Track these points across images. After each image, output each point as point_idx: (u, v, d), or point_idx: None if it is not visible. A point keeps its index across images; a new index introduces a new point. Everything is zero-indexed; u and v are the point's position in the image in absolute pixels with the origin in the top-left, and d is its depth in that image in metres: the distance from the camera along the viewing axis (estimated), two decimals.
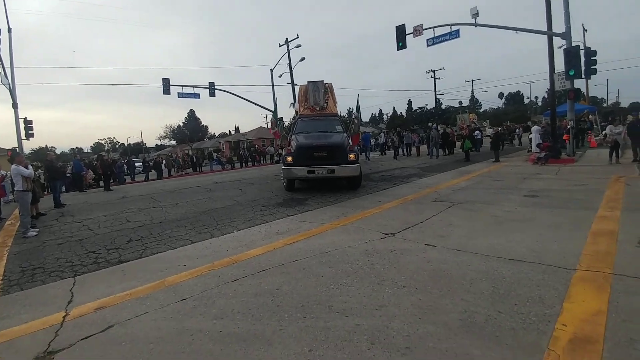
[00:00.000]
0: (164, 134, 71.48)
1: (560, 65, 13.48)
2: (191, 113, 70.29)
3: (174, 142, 74.16)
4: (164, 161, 24.33)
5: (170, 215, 7.31)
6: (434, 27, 14.82)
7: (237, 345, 2.38)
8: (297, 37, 26.97)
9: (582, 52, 12.65)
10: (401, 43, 15.34)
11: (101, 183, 16.04)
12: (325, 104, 10.67)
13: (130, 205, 8.93)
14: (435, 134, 18.34)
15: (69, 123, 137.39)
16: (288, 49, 27.63)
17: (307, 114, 10.56)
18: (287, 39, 27.50)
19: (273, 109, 29.25)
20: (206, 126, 76.63)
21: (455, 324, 2.48)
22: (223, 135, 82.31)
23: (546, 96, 55.31)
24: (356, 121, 10.42)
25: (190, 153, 36.21)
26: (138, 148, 73.75)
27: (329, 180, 8.94)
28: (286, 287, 3.30)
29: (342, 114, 12.03)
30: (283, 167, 8.50)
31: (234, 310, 2.90)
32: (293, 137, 9.12)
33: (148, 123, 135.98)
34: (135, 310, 3.04)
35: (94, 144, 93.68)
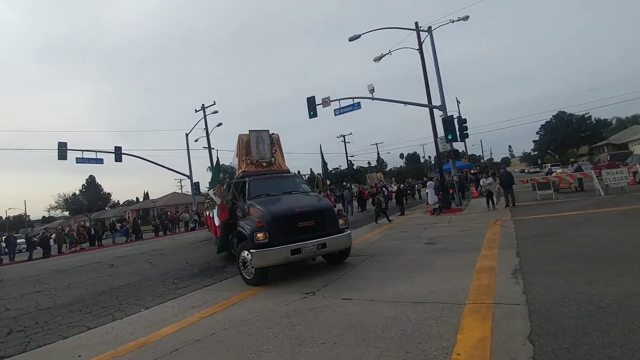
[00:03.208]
0: (56, 204, 62.01)
1: (442, 130, 16.50)
2: (90, 179, 63.09)
3: (66, 213, 64.13)
4: (53, 235, 20.66)
5: (62, 300, 6.25)
6: (339, 99, 17.08)
7: None
8: (214, 104, 27.72)
9: (456, 120, 15.72)
10: (312, 112, 17.09)
11: None
12: (273, 159, 8.95)
13: (9, 291, 7.59)
14: (348, 193, 19.93)
15: None
16: (205, 115, 27.97)
17: (253, 170, 8.55)
18: (203, 105, 27.99)
19: (189, 174, 28.09)
20: (109, 194, 69.07)
21: None
22: (129, 202, 74.45)
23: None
24: (320, 177, 9.09)
25: (88, 225, 31.53)
26: (20, 221, 60.96)
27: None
28: None
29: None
30: (251, 250, 5.77)
31: None
32: (250, 203, 6.70)
33: (35, 193, 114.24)
34: None
35: None
